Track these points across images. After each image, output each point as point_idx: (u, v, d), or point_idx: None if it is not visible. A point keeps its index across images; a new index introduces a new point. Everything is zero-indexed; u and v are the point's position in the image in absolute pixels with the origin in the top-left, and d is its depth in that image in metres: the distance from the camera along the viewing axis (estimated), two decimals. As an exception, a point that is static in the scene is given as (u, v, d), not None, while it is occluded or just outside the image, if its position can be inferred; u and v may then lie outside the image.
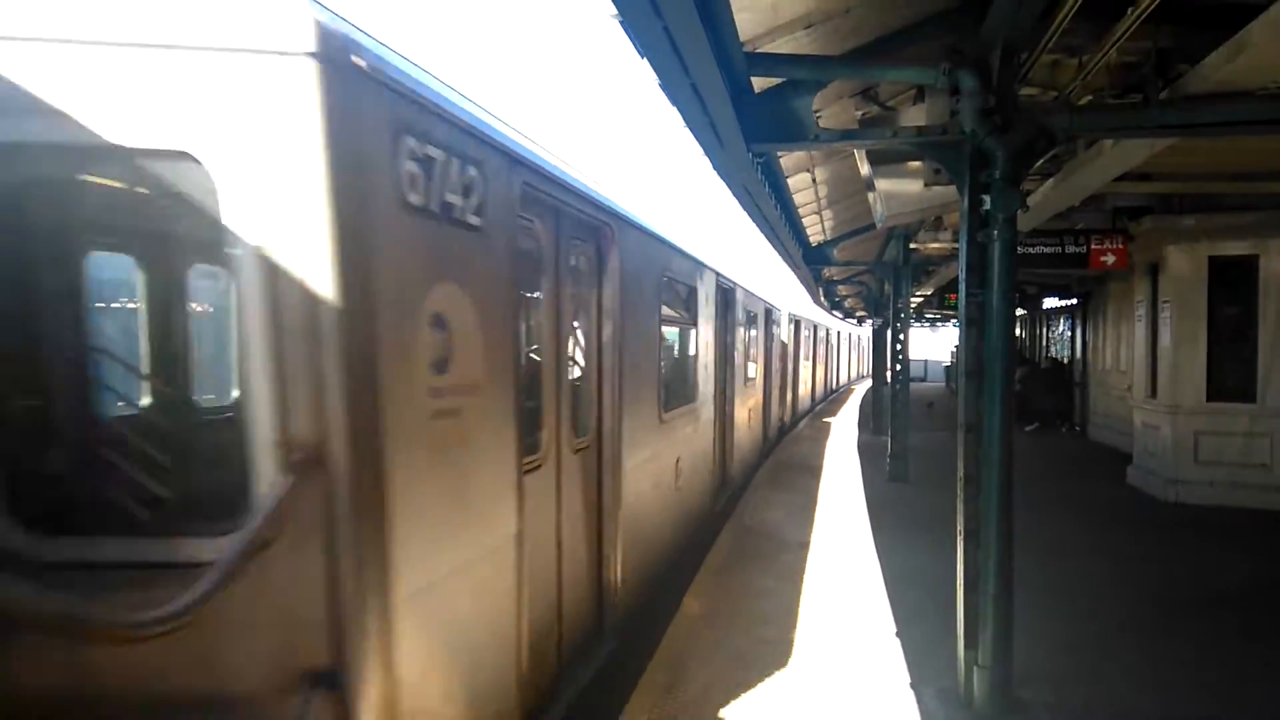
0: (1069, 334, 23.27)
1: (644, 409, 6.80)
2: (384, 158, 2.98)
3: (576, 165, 5.37)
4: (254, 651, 2.78)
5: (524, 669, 4.16)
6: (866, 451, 17.34)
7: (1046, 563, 8.50)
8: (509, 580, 4.01)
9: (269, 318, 2.72)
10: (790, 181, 9.61)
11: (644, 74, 4.54)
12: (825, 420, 26.17)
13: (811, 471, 14.67)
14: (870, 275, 20.43)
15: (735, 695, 5.46)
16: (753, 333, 14.30)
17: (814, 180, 9.91)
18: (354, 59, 2.83)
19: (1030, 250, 11.88)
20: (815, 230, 13.62)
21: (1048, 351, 26.20)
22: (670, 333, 8.29)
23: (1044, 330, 27.16)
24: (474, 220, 3.61)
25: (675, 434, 8.13)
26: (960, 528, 5.36)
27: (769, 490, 12.78)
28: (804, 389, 25.72)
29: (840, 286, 23.77)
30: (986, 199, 5.06)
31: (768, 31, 5.01)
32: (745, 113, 5.23)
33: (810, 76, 5.58)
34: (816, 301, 24.64)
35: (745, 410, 13.53)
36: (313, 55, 2.69)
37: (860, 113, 6.51)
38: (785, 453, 17.59)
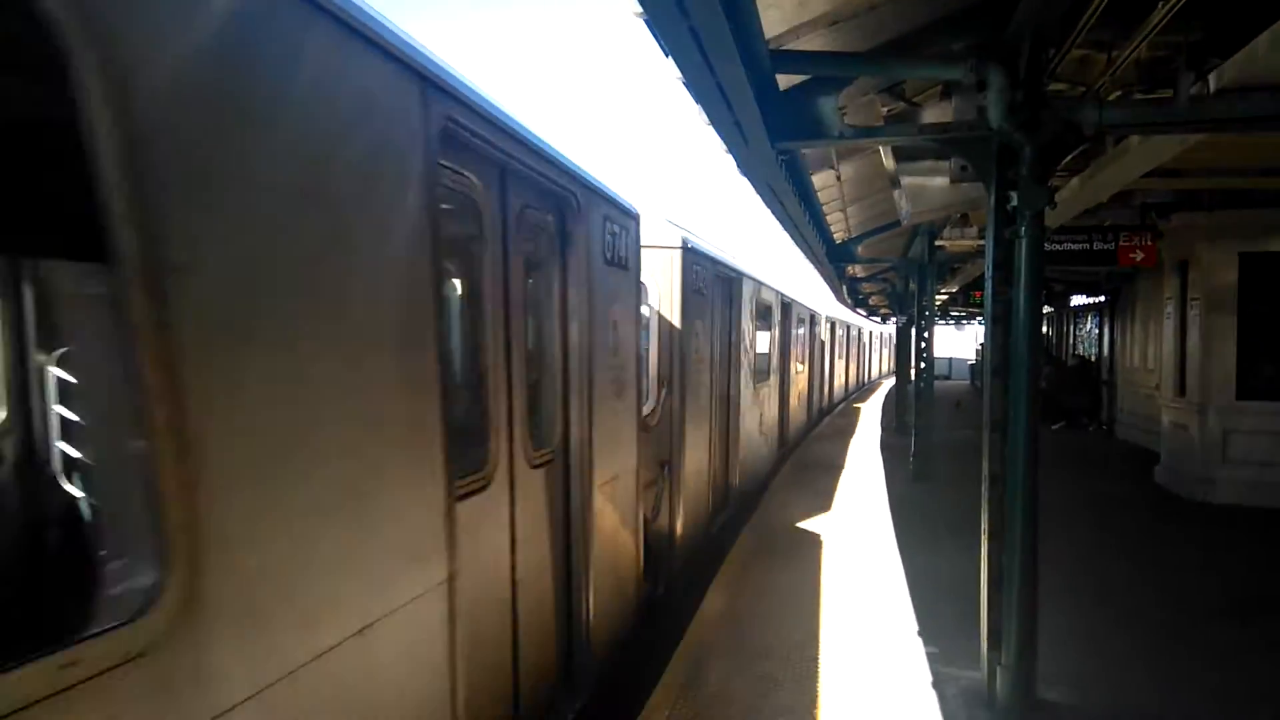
0: (1096, 332, 23.05)
1: (745, 381, 11.51)
2: (690, 275, 8.00)
3: (727, 250, 10.63)
4: (652, 453, 7.20)
5: (710, 492, 9.57)
6: (890, 450, 17.26)
7: (1071, 563, 8.43)
8: (706, 452, 9.33)
9: (656, 335, 7.61)
10: (814, 179, 9.58)
11: (667, 72, 4.55)
12: (855, 406, 29.42)
13: (835, 470, 14.65)
14: (894, 273, 20.30)
15: (760, 690, 5.47)
16: (799, 332, 18.35)
17: (838, 177, 9.86)
18: (687, 245, 7.89)
19: (1057, 247, 11.77)
20: (839, 228, 13.56)
21: (1074, 349, 25.94)
22: (759, 335, 13.13)
23: (1071, 328, 26.92)
24: (705, 291, 8.73)
25: (760, 398, 13.24)
26: (985, 526, 5.33)
27: (791, 491, 12.77)
28: (839, 381, 30.35)
29: (864, 284, 23.64)
30: (1013, 195, 5.02)
31: (793, 29, 5.00)
32: (770, 110, 5.22)
33: (835, 74, 5.56)
34: (840, 299, 24.53)
35: (796, 393, 18.18)
36: (679, 248, 7.74)
37: (886, 109, 6.48)
38: (811, 451, 17.55)
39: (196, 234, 2.00)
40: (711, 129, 5.61)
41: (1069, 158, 7.08)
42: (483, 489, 3.82)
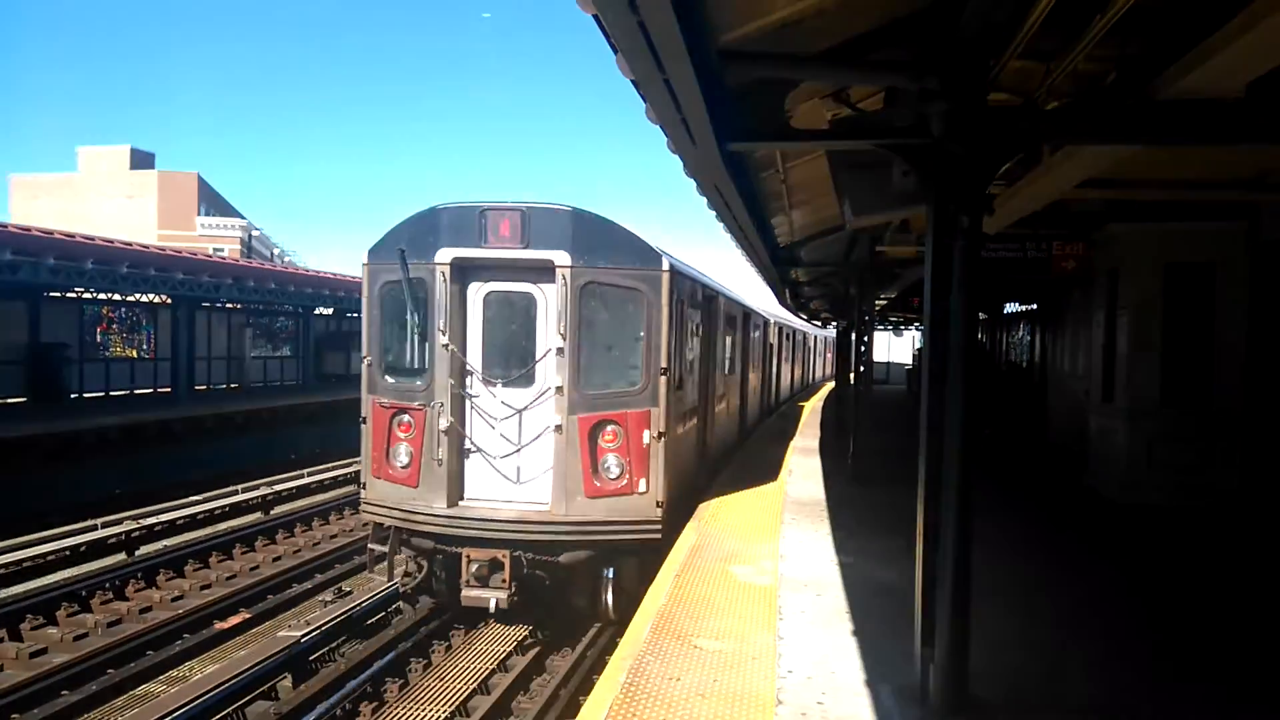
0: (1028, 339, 23.62)
1: (775, 366, 24.94)
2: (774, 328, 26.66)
3: (759, 304, 22.43)
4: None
5: (733, 430, 18.08)
6: (828, 452, 17.48)
7: (1002, 563, 8.60)
8: (769, 388, 25.57)
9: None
10: (758, 182, 9.63)
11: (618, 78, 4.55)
12: (825, 384, 41.26)
13: (774, 470, 14.78)
14: (836, 278, 20.56)
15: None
16: (799, 339, 32.18)
17: (783, 181, 9.94)
18: (768, 316, 24.68)
19: (993, 255, 12.02)
20: (783, 232, 13.69)
21: (1007, 356, 26.56)
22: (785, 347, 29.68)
23: (1004, 335, 27.55)
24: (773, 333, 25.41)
25: (780, 371, 27.75)
26: (920, 527, 5.41)
27: (730, 486, 12.84)
28: (815, 372, 44.66)
29: (806, 288, 23.89)
30: (952, 203, 5.11)
31: (741, 30, 5.02)
32: (718, 111, 5.22)
33: (783, 76, 5.59)
34: (783, 303, 24.97)
35: (801, 370, 36.21)
36: (775, 323, 26.80)
37: (831, 114, 6.53)
38: (748, 451, 17.69)
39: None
40: (660, 128, 5.62)
41: (1007, 166, 7.22)
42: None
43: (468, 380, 10.05)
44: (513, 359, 10.08)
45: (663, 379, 9.74)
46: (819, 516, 10.98)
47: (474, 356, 10.05)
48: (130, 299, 28.09)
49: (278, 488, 20.26)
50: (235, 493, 19.26)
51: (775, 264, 15.30)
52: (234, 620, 11.60)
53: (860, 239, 13.62)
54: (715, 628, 6.69)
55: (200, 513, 17.69)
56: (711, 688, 5.56)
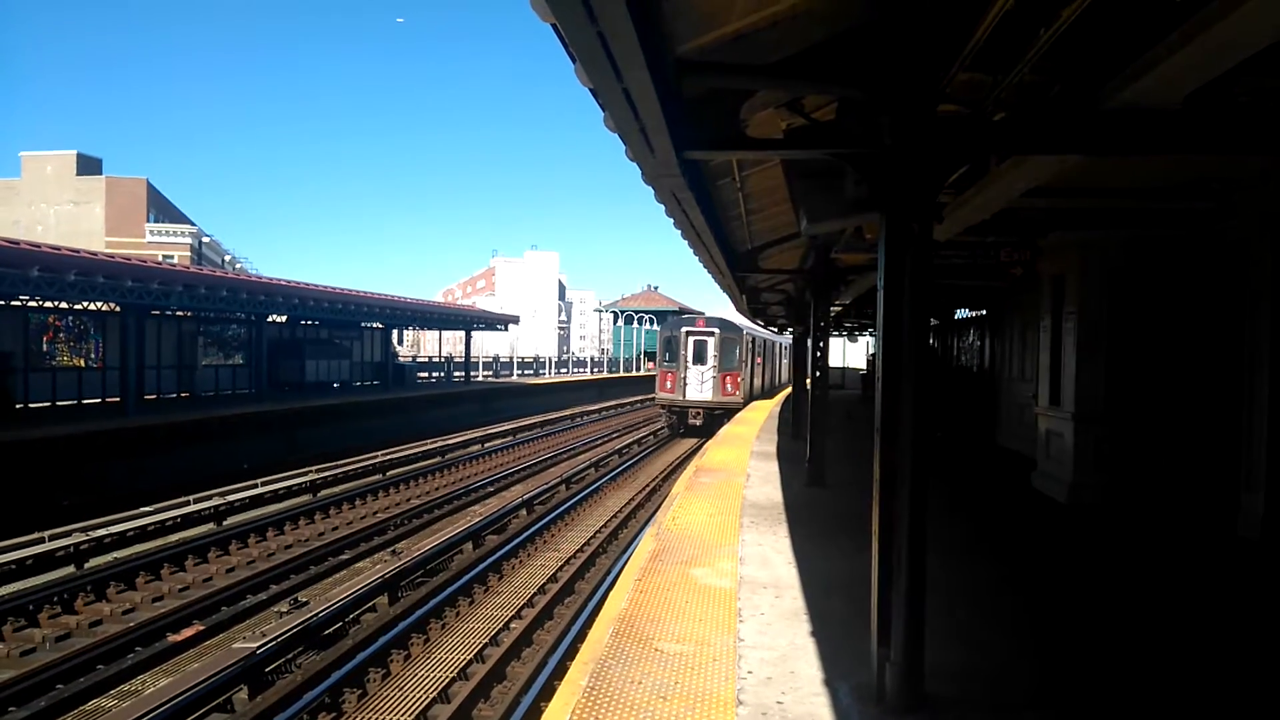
0: (978, 344, 24.05)
1: (774, 365, 51.72)
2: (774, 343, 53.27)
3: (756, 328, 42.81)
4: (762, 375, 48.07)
5: (758, 388, 43.78)
6: (785, 456, 17.65)
7: (954, 564, 8.78)
8: (773, 377, 51.35)
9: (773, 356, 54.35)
10: (715, 190, 9.74)
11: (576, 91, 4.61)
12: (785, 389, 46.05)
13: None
14: (792, 285, 20.79)
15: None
16: (787, 348, 47.13)
17: (740, 190, 10.07)
18: (763, 336, 49.50)
19: (944, 262, 12.25)
20: (740, 239, 13.82)
21: (958, 360, 27.01)
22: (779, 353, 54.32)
23: (954, 340, 28.02)
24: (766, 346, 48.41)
25: (774, 368, 51.98)
26: (875, 527, 5.53)
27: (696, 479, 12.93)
28: (786, 374, 56.77)
29: (764, 294, 24.12)
30: (904, 210, 5.24)
31: (697, 41, 5.10)
32: (675, 120, 5.30)
33: (738, 86, 5.70)
34: (739, 309, 25.38)
35: (782, 371, 54.75)
36: (777, 341, 55.47)
37: (785, 124, 6.66)
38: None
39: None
40: (619, 137, 5.68)
41: (956, 175, 7.39)
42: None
43: (687, 362, 36.05)
44: (701, 357, 35.98)
45: (744, 364, 36.76)
46: (777, 519, 11.09)
47: (690, 356, 36.05)
48: (78, 307, 27.41)
49: (230, 498, 19.92)
50: (187, 503, 18.90)
51: (732, 270, 15.43)
52: (187, 633, 11.40)
53: (815, 246, 13.81)
54: (676, 631, 6.75)
55: (151, 524, 17.34)
56: (673, 690, 5.62)
